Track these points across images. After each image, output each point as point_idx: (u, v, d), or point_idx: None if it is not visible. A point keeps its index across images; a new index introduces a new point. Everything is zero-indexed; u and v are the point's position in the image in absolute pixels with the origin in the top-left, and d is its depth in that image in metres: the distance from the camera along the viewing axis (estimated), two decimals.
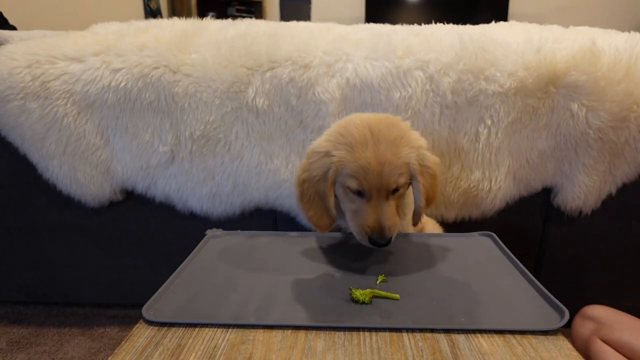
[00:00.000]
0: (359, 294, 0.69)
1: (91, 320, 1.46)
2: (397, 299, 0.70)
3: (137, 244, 1.37)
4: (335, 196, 0.84)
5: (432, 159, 0.84)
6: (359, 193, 0.79)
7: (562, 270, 1.31)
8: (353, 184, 0.78)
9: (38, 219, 1.34)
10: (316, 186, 0.82)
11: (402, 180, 0.79)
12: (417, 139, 0.83)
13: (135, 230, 1.35)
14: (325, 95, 1.14)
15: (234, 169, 1.21)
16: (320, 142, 0.84)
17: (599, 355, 0.90)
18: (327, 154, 0.80)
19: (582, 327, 0.97)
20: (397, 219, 0.81)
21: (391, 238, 0.78)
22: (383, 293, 0.71)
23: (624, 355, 0.88)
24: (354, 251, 0.88)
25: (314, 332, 0.62)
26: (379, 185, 0.77)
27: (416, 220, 0.85)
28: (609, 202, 1.20)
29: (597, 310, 0.99)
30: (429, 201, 0.84)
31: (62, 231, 1.35)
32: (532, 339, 0.60)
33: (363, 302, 0.68)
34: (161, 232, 1.35)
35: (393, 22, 1.42)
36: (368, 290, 0.70)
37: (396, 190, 0.79)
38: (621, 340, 0.89)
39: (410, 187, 0.85)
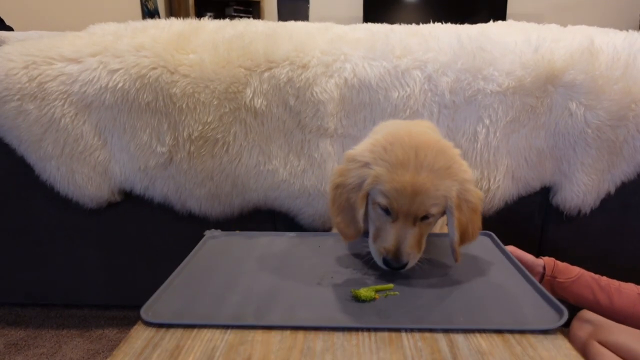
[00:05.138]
0: (363, 292, 0.69)
1: (89, 322, 1.46)
2: (396, 294, 0.70)
3: (136, 245, 1.36)
4: (367, 209, 0.81)
5: (475, 193, 0.78)
6: (387, 211, 0.77)
7: None
8: (383, 201, 0.75)
9: (36, 220, 1.34)
10: (348, 194, 0.79)
11: (435, 210, 0.75)
12: (464, 171, 0.78)
13: (133, 231, 1.35)
14: (323, 95, 1.14)
15: (232, 169, 1.21)
16: (362, 150, 0.80)
17: (597, 357, 0.90)
18: (367, 165, 0.77)
19: (580, 330, 0.97)
20: (419, 248, 0.77)
21: (407, 263, 0.75)
22: (381, 287, 0.71)
23: (622, 358, 0.88)
24: (352, 251, 0.88)
25: (312, 332, 0.62)
26: (408, 210, 0.74)
27: (455, 257, 0.79)
28: (607, 201, 1.20)
29: (595, 313, 0.99)
30: (465, 237, 0.78)
31: (60, 232, 1.35)
32: (531, 339, 0.60)
33: (371, 300, 0.69)
34: (159, 233, 1.34)
35: (391, 22, 1.42)
36: (370, 287, 0.70)
37: (425, 217, 0.76)
38: (618, 342, 0.89)
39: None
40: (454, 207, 0.75)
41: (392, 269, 0.76)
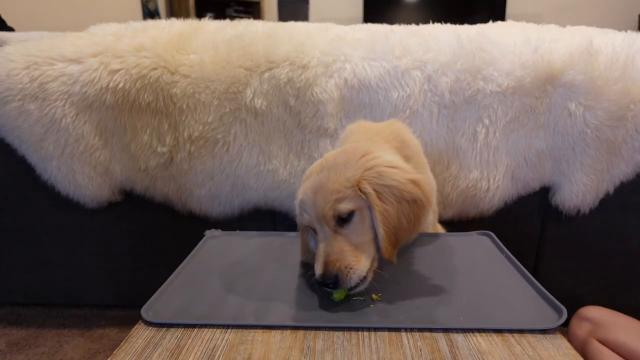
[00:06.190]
0: (336, 295, 0.69)
1: (90, 322, 1.46)
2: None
3: (136, 244, 1.36)
4: None
5: (396, 175, 0.67)
6: (313, 229, 0.73)
7: (560, 269, 1.31)
8: (302, 219, 0.73)
9: (37, 220, 1.34)
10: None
11: (345, 207, 0.67)
12: (372, 159, 0.70)
13: (134, 231, 1.35)
14: (323, 95, 1.14)
15: (232, 169, 1.21)
16: None
17: (595, 355, 0.91)
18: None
19: (579, 328, 0.98)
20: (353, 258, 0.67)
21: (337, 276, 0.65)
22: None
23: (621, 356, 0.88)
24: None
25: (312, 332, 0.62)
26: (316, 215, 0.69)
27: (385, 254, 0.68)
28: (606, 201, 1.20)
29: (594, 312, 1.00)
30: (401, 232, 0.67)
31: (61, 232, 1.35)
32: (531, 338, 0.60)
33: (342, 298, 0.68)
34: (160, 232, 1.35)
35: (391, 22, 1.42)
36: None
37: (342, 220, 0.68)
38: (618, 340, 0.90)
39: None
40: (370, 195, 0.66)
41: (326, 287, 0.67)
